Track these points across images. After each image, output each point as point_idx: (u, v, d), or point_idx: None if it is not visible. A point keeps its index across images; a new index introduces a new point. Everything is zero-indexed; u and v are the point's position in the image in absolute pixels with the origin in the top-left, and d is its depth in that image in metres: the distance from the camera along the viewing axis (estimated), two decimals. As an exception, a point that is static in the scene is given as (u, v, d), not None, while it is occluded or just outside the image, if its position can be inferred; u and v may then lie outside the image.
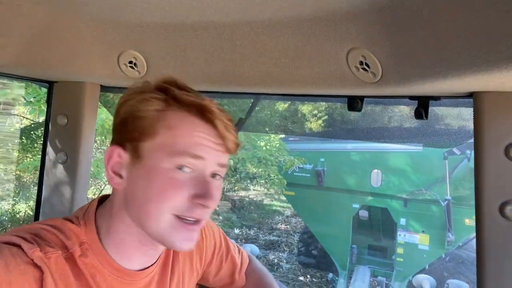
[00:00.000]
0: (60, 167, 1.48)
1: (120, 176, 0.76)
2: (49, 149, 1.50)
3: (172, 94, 0.74)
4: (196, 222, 0.75)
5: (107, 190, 7.93)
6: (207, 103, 0.74)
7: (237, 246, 1.18)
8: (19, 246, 0.68)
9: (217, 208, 10.99)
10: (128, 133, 0.75)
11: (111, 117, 4.78)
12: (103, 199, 0.84)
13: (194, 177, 0.74)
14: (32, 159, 6.54)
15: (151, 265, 0.84)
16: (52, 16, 1.07)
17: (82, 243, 0.75)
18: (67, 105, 1.47)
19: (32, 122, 7.17)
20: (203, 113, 0.74)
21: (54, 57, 1.22)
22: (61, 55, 1.21)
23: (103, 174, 5.86)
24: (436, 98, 1.06)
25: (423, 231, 5.72)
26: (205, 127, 0.74)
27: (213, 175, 0.77)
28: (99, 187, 7.94)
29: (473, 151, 0.95)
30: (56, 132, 1.49)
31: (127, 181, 0.76)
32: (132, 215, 0.76)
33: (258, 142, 7.98)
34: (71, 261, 0.73)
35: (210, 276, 1.10)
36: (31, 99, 4.60)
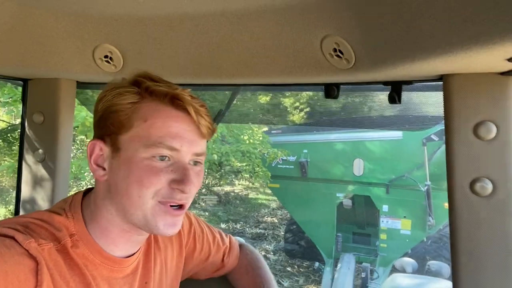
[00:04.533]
0: (38, 166, 1.46)
1: (103, 168, 0.79)
2: (26, 147, 1.48)
3: (144, 86, 0.77)
4: (180, 207, 0.79)
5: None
6: (179, 91, 0.77)
7: (223, 233, 1.21)
8: (12, 238, 0.69)
9: (203, 204, 10.98)
10: (106, 127, 0.78)
11: (91, 115, 4.70)
12: (87, 192, 0.86)
13: (172, 164, 0.77)
14: (10, 162, 6.38)
15: (135, 253, 0.86)
16: (22, 11, 1.05)
17: (72, 235, 0.77)
18: (43, 103, 1.44)
19: (8, 124, 6.98)
20: (175, 101, 0.77)
21: (27, 54, 1.19)
22: (34, 51, 1.19)
23: (86, 174, 5.77)
24: (409, 82, 1.09)
25: (404, 217, 5.86)
26: (178, 115, 0.77)
27: (194, 162, 0.81)
28: (81, 188, 7.80)
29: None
30: (33, 130, 1.46)
31: (109, 173, 0.79)
32: (115, 204, 0.78)
33: (241, 136, 7.98)
34: (63, 253, 0.74)
35: (200, 262, 1.12)
36: (8, 100, 4.47)
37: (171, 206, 0.77)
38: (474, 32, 0.63)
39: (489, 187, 0.91)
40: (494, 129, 0.90)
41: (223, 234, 1.20)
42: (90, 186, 0.87)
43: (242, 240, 1.28)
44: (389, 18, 0.79)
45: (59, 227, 0.76)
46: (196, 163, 0.81)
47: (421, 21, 0.72)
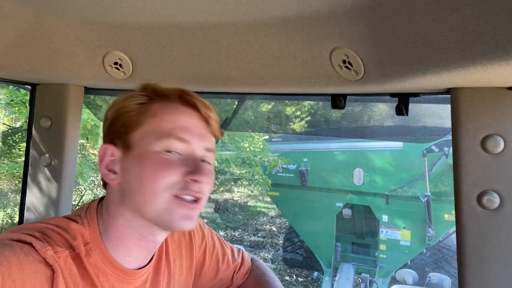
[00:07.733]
0: (44, 170, 1.46)
1: (114, 172, 0.79)
2: (33, 152, 1.48)
3: (151, 88, 0.81)
4: (195, 201, 0.78)
5: (89, 196, 7.77)
6: (185, 90, 0.81)
7: (236, 248, 1.18)
8: (30, 244, 0.69)
9: (201, 211, 10.93)
10: (116, 130, 0.80)
11: (93, 117, 4.71)
12: (101, 199, 0.86)
13: (184, 158, 0.77)
14: (8, 165, 6.37)
15: (146, 265, 0.86)
16: (36, 17, 1.06)
17: (87, 243, 0.77)
18: (50, 108, 1.45)
19: (8, 127, 6.99)
20: (183, 97, 0.80)
21: (38, 59, 1.20)
22: (45, 57, 1.20)
23: (87, 176, 5.76)
24: (416, 94, 1.10)
25: (404, 227, 5.84)
26: (187, 111, 0.80)
27: (202, 160, 0.81)
28: (79, 192, 7.77)
29: (451, 148, 0.99)
30: (40, 134, 1.47)
31: (121, 175, 0.79)
32: (130, 206, 0.78)
33: (242, 143, 7.99)
34: (77, 261, 0.74)
35: (209, 279, 1.10)
36: (10, 102, 4.48)
37: (185, 199, 0.77)
38: (487, 48, 0.64)
39: (497, 200, 0.91)
40: (501, 143, 0.91)
41: (235, 251, 1.17)
42: (103, 195, 0.87)
43: (252, 256, 1.24)
44: (400, 32, 0.80)
45: (75, 235, 0.76)
46: (204, 161, 0.81)
47: (433, 36, 0.73)
